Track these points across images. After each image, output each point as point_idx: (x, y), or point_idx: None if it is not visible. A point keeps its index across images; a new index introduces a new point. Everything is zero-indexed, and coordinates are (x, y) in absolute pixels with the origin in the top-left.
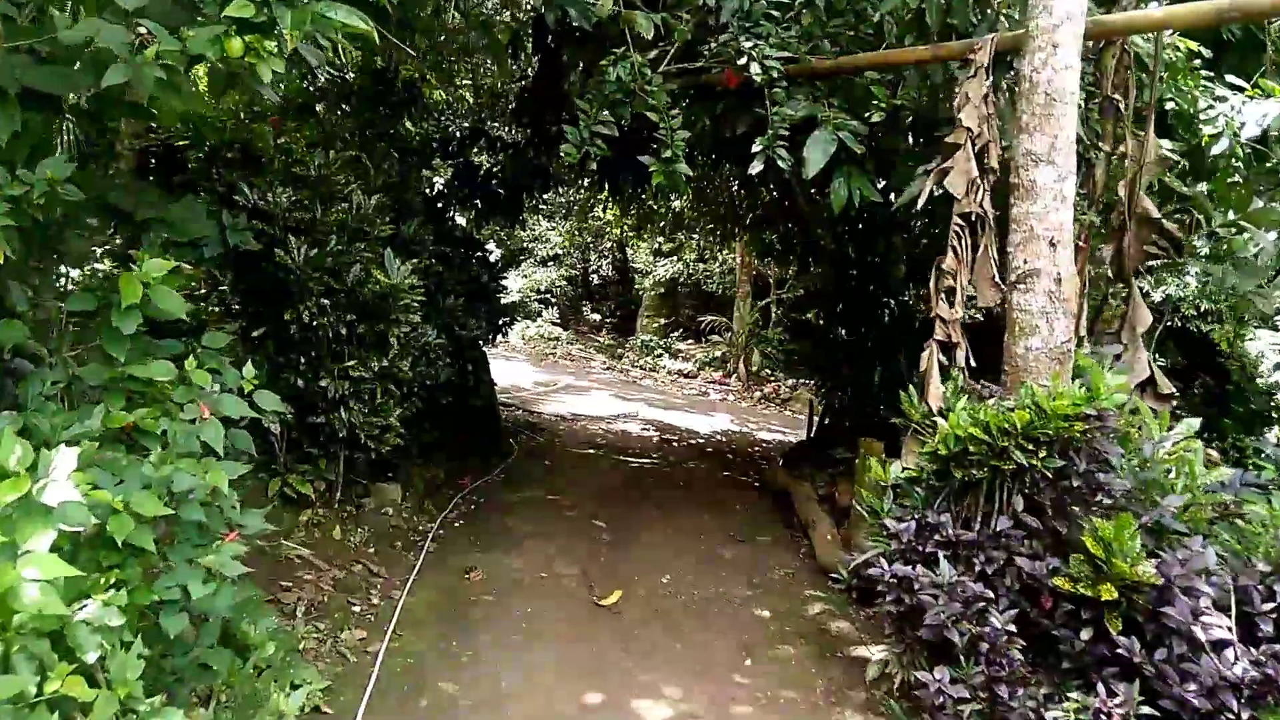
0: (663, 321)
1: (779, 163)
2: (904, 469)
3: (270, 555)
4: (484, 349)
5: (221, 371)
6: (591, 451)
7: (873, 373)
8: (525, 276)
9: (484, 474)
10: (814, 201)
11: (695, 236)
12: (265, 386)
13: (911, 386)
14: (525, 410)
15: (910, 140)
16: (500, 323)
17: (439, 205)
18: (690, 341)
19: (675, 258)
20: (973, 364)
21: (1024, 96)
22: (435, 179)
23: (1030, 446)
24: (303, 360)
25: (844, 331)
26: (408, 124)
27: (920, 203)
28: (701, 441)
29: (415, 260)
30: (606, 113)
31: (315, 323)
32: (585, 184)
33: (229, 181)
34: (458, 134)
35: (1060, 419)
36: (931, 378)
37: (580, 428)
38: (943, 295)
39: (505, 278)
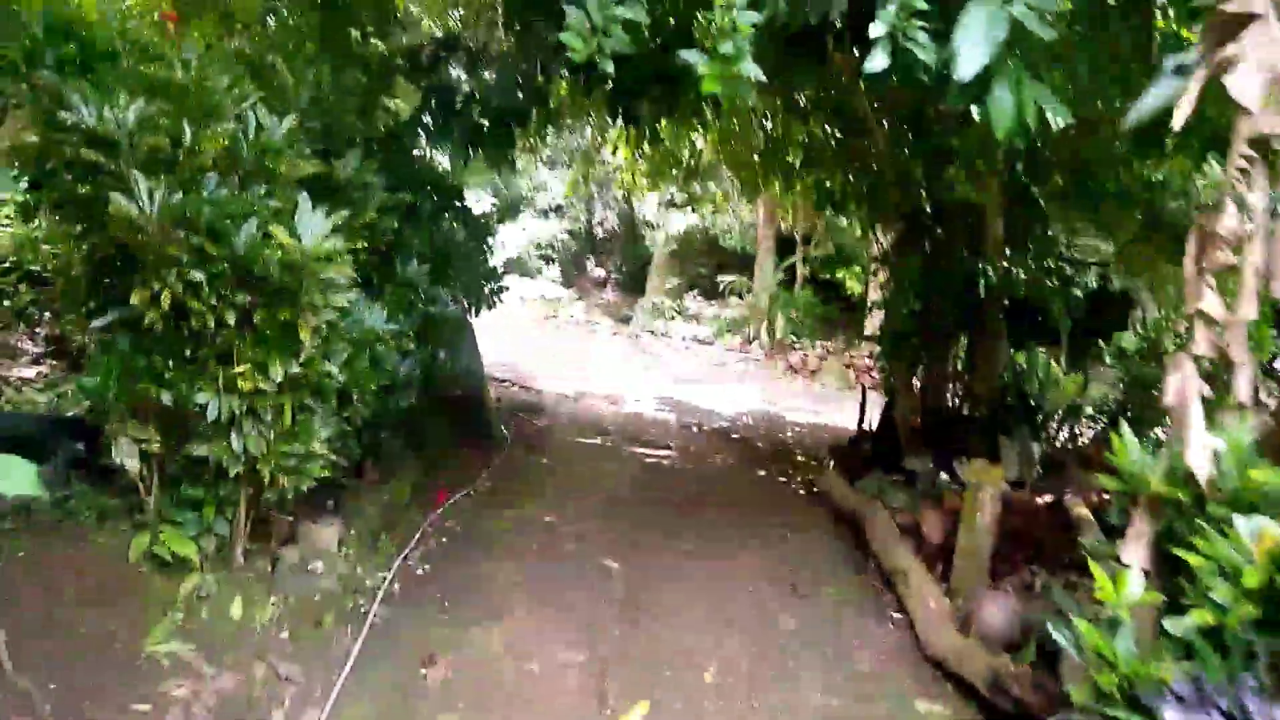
0: (676, 281)
1: (919, 54)
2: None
3: (124, 656)
4: (469, 321)
5: None
6: (598, 441)
7: (947, 358)
8: (524, 230)
9: (466, 483)
10: (897, 131)
11: (718, 184)
12: (116, 403)
13: (1125, 425)
14: (522, 386)
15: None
16: (486, 291)
17: (400, 139)
18: (706, 303)
19: (691, 209)
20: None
21: None
22: (396, 104)
23: None
24: (170, 364)
25: (919, 305)
26: (366, 35)
27: (1178, 121)
28: (726, 425)
29: (353, 212)
30: None
31: (187, 307)
32: (591, 116)
33: (50, 89)
34: (427, 45)
35: None
36: (1191, 421)
37: (584, 408)
38: (1208, 279)
39: (493, 234)
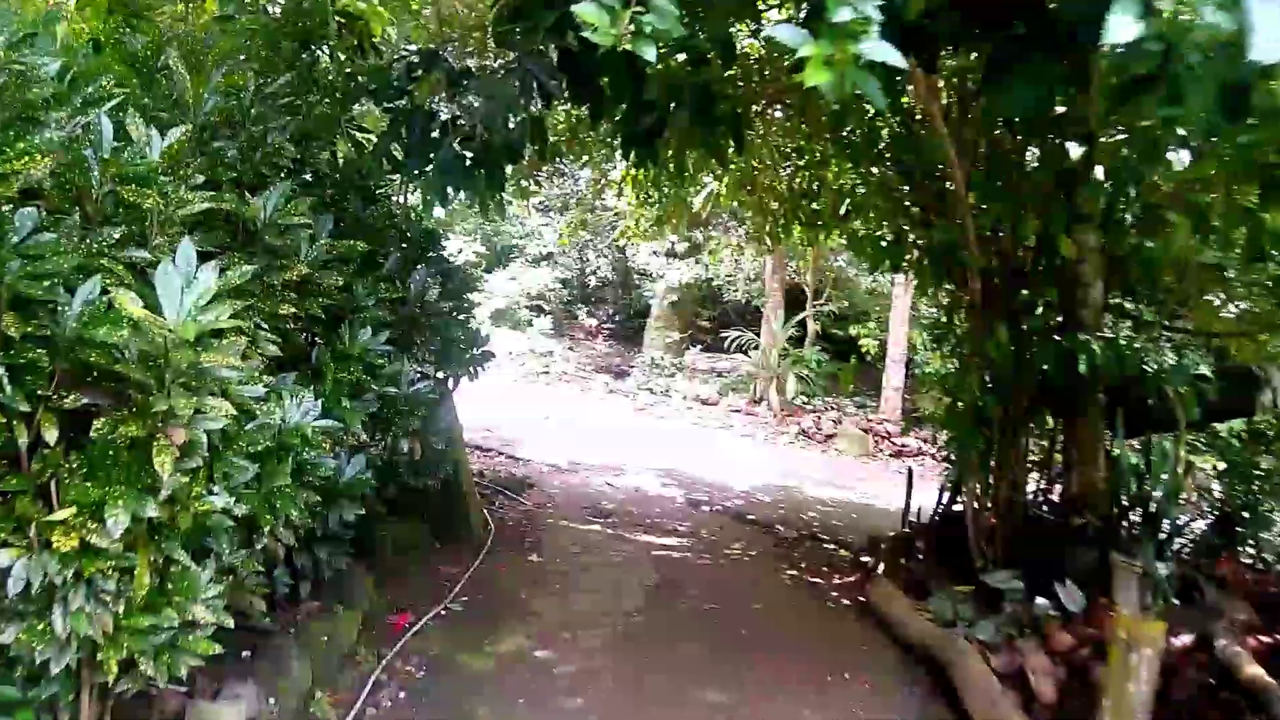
0: (676, 335)
1: (1208, 14)
2: None
3: None
4: (449, 390)
5: None
6: (597, 527)
7: (1028, 446)
8: (514, 279)
9: (435, 599)
10: (979, 174)
11: (723, 232)
12: None
13: None
14: (508, 456)
15: None
16: (467, 359)
17: (361, 174)
18: (709, 359)
19: (694, 259)
20: None
21: None
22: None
23: None
24: None
25: (989, 380)
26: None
27: None
28: (741, 504)
29: (273, 266)
30: None
31: None
32: (592, 155)
33: None
34: (401, 62)
35: None
36: None
37: (579, 482)
38: None
39: (477, 289)
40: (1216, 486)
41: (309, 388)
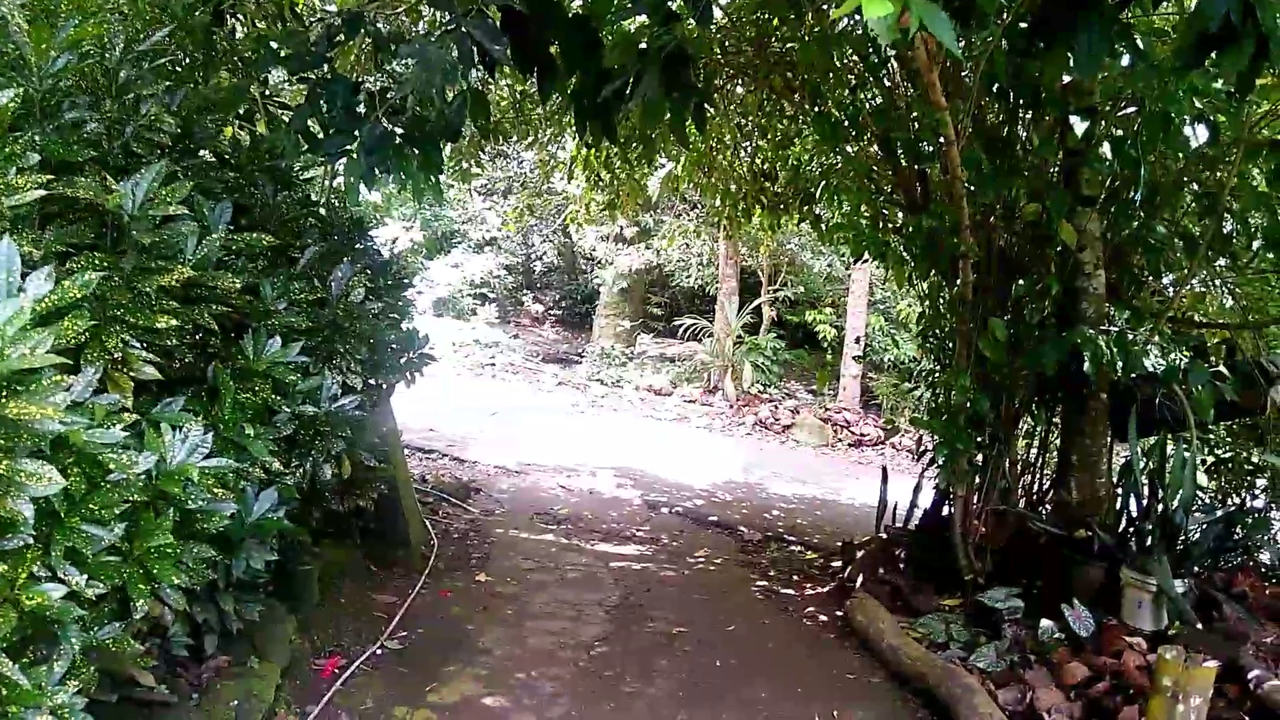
0: (626, 324)
1: None
2: None
3: None
4: (385, 397)
5: None
6: (551, 537)
7: (1018, 450)
8: (456, 266)
9: (369, 638)
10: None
11: (674, 216)
12: None
13: None
14: (452, 458)
15: None
16: (404, 362)
17: (269, 155)
18: (661, 347)
19: (644, 244)
20: None
21: None
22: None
23: None
24: None
25: (981, 378)
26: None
27: None
28: (702, 504)
29: (142, 269)
30: None
31: None
32: (542, 131)
33: None
34: (320, 24)
35: None
36: None
37: (529, 486)
38: None
39: (410, 285)
40: (1202, 479)
41: (201, 415)
